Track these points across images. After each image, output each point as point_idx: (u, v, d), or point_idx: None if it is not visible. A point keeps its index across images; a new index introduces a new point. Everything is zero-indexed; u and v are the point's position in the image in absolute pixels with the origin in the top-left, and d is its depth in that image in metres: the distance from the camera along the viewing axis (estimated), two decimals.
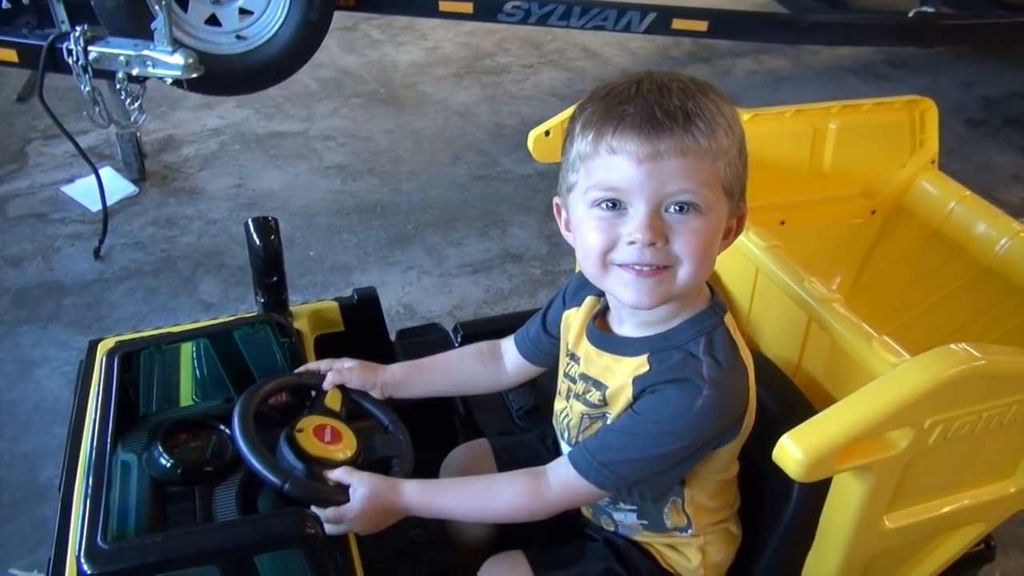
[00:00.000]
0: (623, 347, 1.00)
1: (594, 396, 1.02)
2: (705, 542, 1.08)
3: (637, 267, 0.90)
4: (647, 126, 0.85)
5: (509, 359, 1.21)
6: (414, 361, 1.22)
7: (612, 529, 1.12)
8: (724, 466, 1.04)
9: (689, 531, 1.07)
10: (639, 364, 0.97)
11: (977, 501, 1.08)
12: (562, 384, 1.11)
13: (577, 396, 1.05)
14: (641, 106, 0.86)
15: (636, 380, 0.96)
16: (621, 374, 0.99)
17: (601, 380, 1.01)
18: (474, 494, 1.03)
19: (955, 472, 1.04)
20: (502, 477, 1.04)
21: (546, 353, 1.17)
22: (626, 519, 1.09)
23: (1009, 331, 1.40)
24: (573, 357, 1.08)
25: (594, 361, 1.03)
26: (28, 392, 2.08)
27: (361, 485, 0.98)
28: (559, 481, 0.99)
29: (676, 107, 0.86)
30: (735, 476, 1.09)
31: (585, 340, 1.05)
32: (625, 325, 1.01)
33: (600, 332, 1.04)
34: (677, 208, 0.88)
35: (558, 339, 1.13)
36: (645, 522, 1.08)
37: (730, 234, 0.96)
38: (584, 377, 1.04)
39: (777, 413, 1.07)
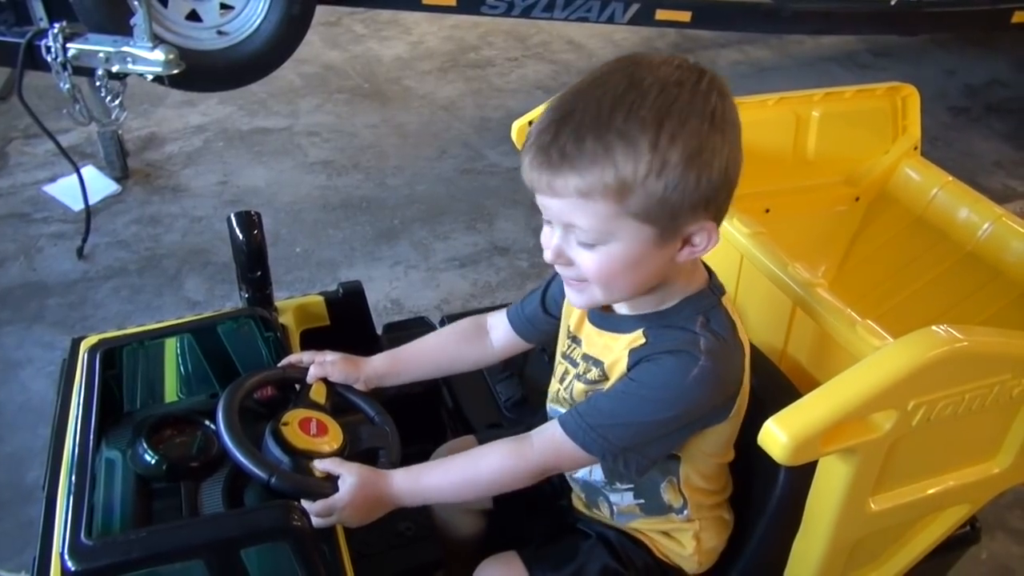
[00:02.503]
0: (621, 325, 1.00)
1: (593, 373, 1.03)
2: (700, 528, 1.09)
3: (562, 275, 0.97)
4: (543, 163, 0.86)
5: (497, 335, 1.20)
6: (395, 350, 1.21)
7: (607, 516, 1.12)
8: (720, 448, 1.04)
9: (685, 512, 1.07)
10: (635, 338, 0.98)
11: (961, 482, 1.09)
12: (559, 365, 1.11)
13: (578, 376, 1.05)
14: (545, 141, 0.86)
15: (632, 352, 0.97)
16: (617, 348, 1.00)
17: (599, 357, 1.02)
18: (458, 466, 1.02)
19: (939, 454, 1.05)
20: (485, 446, 1.04)
21: (541, 331, 1.17)
22: (623, 500, 1.09)
23: (993, 314, 1.41)
24: (575, 340, 1.08)
25: (594, 341, 1.04)
26: (12, 393, 2.06)
27: (349, 475, 0.97)
28: (544, 442, 0.99)
29: (580, 143, 0.84)
30: (729, 461, 1.09)
31: (587, 322, 1.06)
32: (622, 306, 1.01)
33: (600, 312, 1.04)
34: (577, 239, 0.91)
35: (557, 319, 1.13)
36: (641, 501, 1.08)
37: (686, 246, 0.92)
38: (585, 357, 1.05)
39: (762, 398, 1.07)
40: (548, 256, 0.94)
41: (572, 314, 1.09)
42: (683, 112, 0.84)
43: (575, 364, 1.07)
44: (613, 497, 1.09)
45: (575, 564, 1.09)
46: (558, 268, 0.96)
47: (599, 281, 0.93)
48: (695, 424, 0.98)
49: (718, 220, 0.92)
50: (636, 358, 0.96)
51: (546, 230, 0.94)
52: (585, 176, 0.84)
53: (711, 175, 0.86)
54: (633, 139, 0.83)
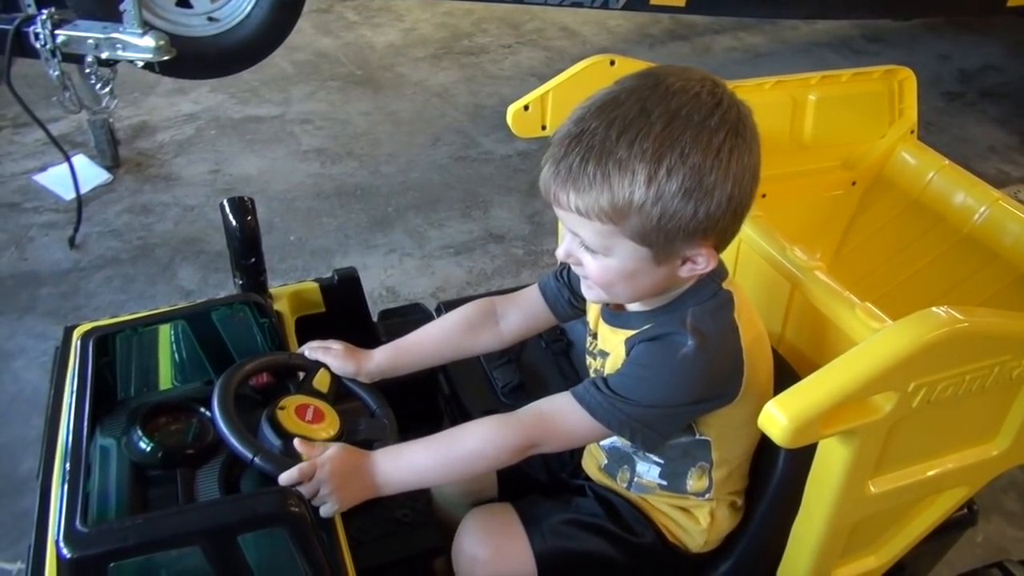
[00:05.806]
0: (631, 321, 1.03)
1: (604, 366, 1.06)
2: (717, 506, 1.10)
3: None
4: (552, 176, 0.90)
5: (511, 321, 1.19)
6: (397, 342, 1.19)
7: (622, 485, 1.12)
8: (749, 432, 1.04)
9: (707, 495, 1.09)
10: (639, 331, 1.00)
11: (960, 464, 1.09)
12: (587, 359, 1.14)
13: (595, 372, 1.09)
14: (558, 155, 0.89)
15: (627, 340, 1.00)
16: (619, 340, 1.02)
17: (608, 350, 1.05)
18: (440, 439, 1.02)
19: (938, 436, 1.05)
20: (469, 422, 1.04)
21: (573, 308, 1.17)
22: (647, 472, 1.09)
23: (989, 298, 1.40)
24: (595, 336, 1.11)
25: (608, 338, 1.06)
26: (5, 384, 2.05)
27: (330, 447, 0.98)
28: (533, 417, 1.00)
29: (583, 165, 0.87)
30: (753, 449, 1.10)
31: (601, 321, 1.09)
32: (634, 303, 1.03)
33: (612, 311, 1.06)
34: (582, 243, 0.95)
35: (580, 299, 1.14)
36: (664, 483, 1.09)
37: (687, 263, 0.93)
38: (601, 353, 1.08)
39: None
40: (560, 254, 0.98)
41: (591, 310, 1.12)
42: (686, 147, 0.86)
43: (595, 358, 1.10)
44: (640, 466, 1.10)
45: (565, 516, 1.10)
46: (571, 264, 0.99)
47: (600, 285, 0.97)
48: (701, 404, 0.99)
49: (720, 245, 0.95)
50: (631, 344, 0.99)
51: (561, 229, 0.98)
52: (584, 197, 0.88)
53: (710, 207, 0.88)
54: (632, 169, 0.86)
